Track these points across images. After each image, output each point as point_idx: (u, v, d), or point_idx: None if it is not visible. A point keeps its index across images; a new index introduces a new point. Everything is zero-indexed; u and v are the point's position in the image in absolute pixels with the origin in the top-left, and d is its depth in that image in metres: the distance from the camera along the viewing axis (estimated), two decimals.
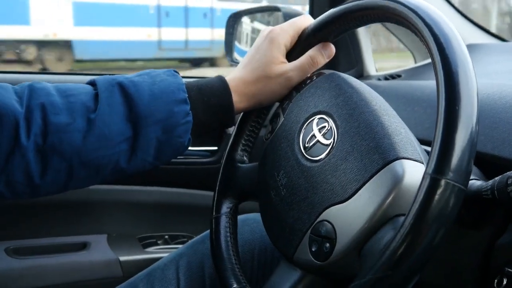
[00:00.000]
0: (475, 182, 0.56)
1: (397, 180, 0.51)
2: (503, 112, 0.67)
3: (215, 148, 1.31)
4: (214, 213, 0.72)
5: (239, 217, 0.84)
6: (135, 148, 0.63)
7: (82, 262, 1.21)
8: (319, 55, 0.69)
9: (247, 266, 0.81)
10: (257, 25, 1.38)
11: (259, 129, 0.75)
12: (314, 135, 0.61)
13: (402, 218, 0.45)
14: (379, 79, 1.19)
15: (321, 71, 0.69)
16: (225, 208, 0.72)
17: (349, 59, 1.27)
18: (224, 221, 0.71)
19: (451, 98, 0.45)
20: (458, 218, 0.56)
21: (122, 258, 1.23)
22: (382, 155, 0.53)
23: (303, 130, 0.63)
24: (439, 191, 0.43)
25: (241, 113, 0.75)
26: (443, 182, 0.43)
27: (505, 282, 0.58)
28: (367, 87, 0.62)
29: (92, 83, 0.65)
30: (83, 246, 1.26)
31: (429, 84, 0.87)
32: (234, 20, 1.35)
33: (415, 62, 1.36)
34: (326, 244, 0.54)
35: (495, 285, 0.59)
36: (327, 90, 0.63)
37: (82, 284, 1.19)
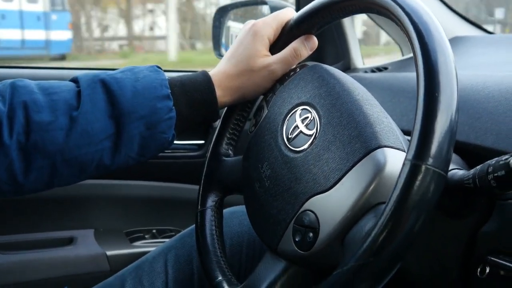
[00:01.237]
0: (458, 172, 0.56)
1: (379, 169, 0.51)
2: (486, 102, 0.67)
3: (202, 142, 1.31)
4: (199, 207, 0.72)
5: (228, 209, 0.85)
6: (118, 145, 0.63)
7: (69, 256, 1.21)
8: (302, 47, 0.69)
9: (235, 258, 0.81)
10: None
11: (243, 123, 0.75)
12: (297, 126, 0.61)
13: (384, 206, 0.45)
14: (365, 72, 1.19)
15: (304, 63, 0.69)
16: (210, 201, 0.72)
17: (336, 52, 1.27)
18: (209, 214, 0.71)
19: (430, 85, 0.45)
20: (441, 207, 0.57)
21: (109, 253, 1.23)
22: (364, 144, 0.53)
23: (286, 122, 0.63)
24: (419, 177, 0.43)
25: (226, 107, 0.75)
26: (423, 168, 0.43)
27: (487, 270, 0.59)
28: (350, 78, 0.63)
29: (74, 80, 0.65)
30: (70, 241, 1.26)
31: (415, 76, 0.87)
32: (220, 14, 1.34)
33: (402, 55, 1.36)
34: (309, 233, 0.54)
35: (478, 274, 0.60)
36: (310, 81, 0.64)
37: (69, 279, 1.19)
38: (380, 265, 0.44)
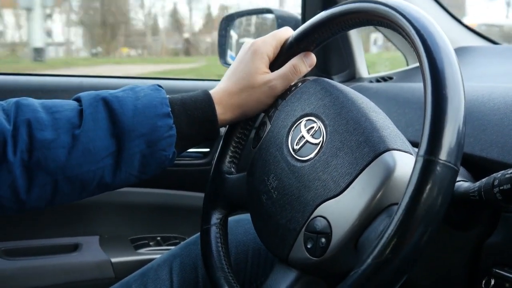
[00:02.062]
0: (463, 184, 0.56)
1: (389, 171, 0.52)
2: (491, 114, 0.68)
3: (207, 149, 1.32)
4: (203, 224, 0.73)
5: (233, 218, 0.85)
6: (119, 163, 0.64)
7: (74, 263, 1.21)
8: (301, 64, 0.70)
9: (241, 267, 0.81)
10: None
11: (245, 140, 0.75)
12: (302, 136, 0.61)
13: (396, 206, 0.45)
14: (371, 81, 1.19)
15: (305, 78, 0.70)
16: (215, 219, 0.72)
17: (341, 61, 1.27)
18: (214, 231, 0.72)
19: (437, 83, 0.46)
20: (446, 219, 0.57)
21: (114, 260, 1.23)
22: (372, 148, 0.54)
23: (291, 133, 0.63)
24: (433, 172, 0.43)
25: (227, 125, 0.75)
26: (436, 162, 0.43)
27: (492, 283, 0.59)
28: (351, 89, 0.63)
29: (77, 99, 0.66)
30: (75, 247, 1.26)
31: (420, 86, 0.87)
32: (226, 22, 1.35)
33: (407, 64, 1.36)
34: (321, 239, 0.54)
35: (483, 286, 0.60)
36: (312, 94, 0.64)
37: (74, 286, 1.19)
38: (400, 261, 0.43)
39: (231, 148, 0.74)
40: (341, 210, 0.53)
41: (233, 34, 1.35)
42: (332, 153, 0.57)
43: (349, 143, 0.56)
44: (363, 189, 0.52)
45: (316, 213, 0.56)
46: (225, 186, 0.73)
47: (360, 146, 0.55)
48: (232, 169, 0.75)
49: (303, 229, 0.57)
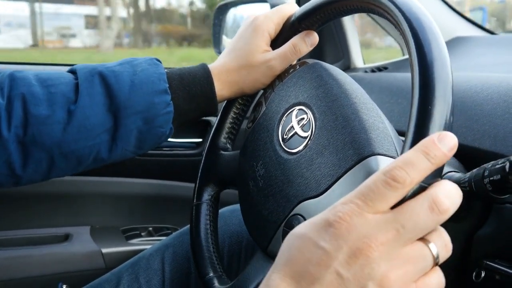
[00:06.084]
0: (454, 174, 0.55)
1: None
2: (484, 104, 0.67)
3: (200, 140, 1.31)
4: (195, 201, 0.72)
5: (228, 208, 0.84)
6: (115, 139, 0.63)
7: (65, 253, 1.20)
8: (302, 43, 0.68)
9: (234, 258, 0.81)
10: None
11: (243, 117, 0.74)
12: (292, 127, 0.60)
13: None
14: (365, 71, 1.19)
15: (304, 60, 0.68)
16: (206, 195, 0.72)
17: (336, 51, 1.26)
18: (204, 208, 0.71)
19: (425, 76, 0.44)
20: None
21: (104, 250, 1.22)
22: (357, 151, 0.52)
23: (282, 121, 0.62)
24: None
25: (225, 101, 0.74)
26: None
27: (483, 274, 0.58)
28: (349, 78, 0.62)
29: (73, 72, 0.64)
30: (66, 237, 1.25)
31: None
32: (220, 11, 1.34)
33: (403, 54, 1.36)
34: None
35: (473, 278, 0.59)
36: (308, 80, 0.63)
37: (64, 276, 1.18)
38: None
39: (228, 124, 0.74)
40: (319, 212, 0.52)
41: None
42: (317, 150, 0.56)
43: (335, 142, 0.55)
44: (342, 194, 0.51)
45: (295, 210, 0.55)
46: (219, 162, 0.72)
47: (345, 146, 0.53)
48: (228, 145, 0.74)
49: (283, 225, 0.56)
